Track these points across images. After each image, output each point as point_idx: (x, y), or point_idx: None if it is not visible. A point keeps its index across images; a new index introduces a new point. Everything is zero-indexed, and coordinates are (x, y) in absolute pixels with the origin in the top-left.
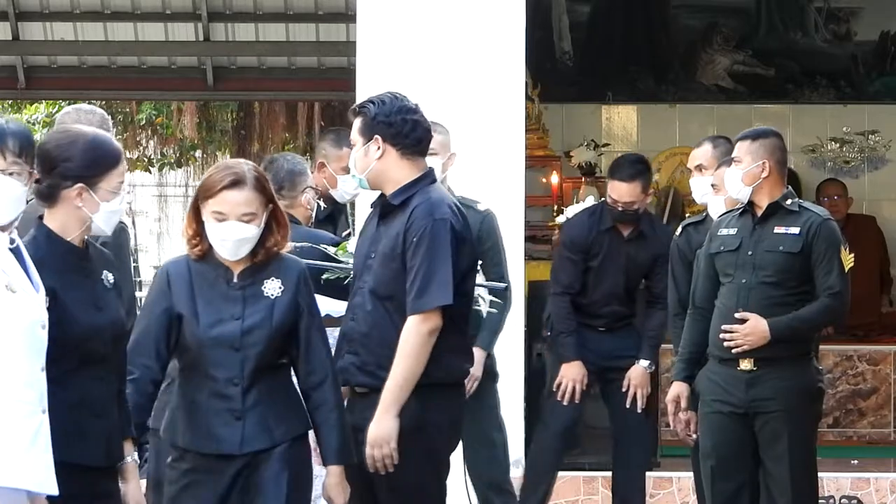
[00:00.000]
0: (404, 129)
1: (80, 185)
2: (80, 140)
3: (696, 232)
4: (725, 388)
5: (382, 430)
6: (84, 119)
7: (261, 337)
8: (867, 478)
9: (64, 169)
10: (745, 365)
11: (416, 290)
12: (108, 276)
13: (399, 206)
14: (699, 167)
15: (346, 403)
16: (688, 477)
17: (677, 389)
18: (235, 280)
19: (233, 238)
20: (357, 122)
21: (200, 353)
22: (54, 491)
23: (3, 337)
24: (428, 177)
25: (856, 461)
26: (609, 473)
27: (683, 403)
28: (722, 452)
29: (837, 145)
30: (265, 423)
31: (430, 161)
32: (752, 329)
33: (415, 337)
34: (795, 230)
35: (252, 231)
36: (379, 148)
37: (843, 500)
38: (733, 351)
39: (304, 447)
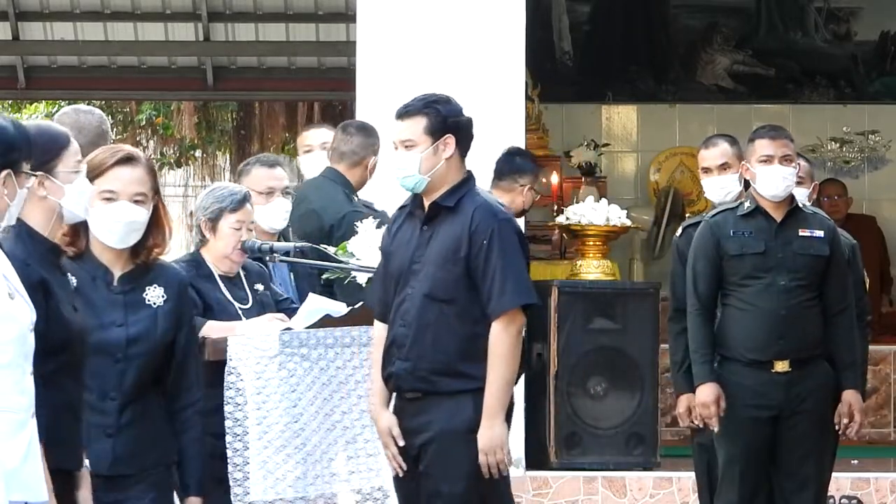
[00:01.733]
0: (469, 130)
1: (38, 174)
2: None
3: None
4: (761, 391)
5: (494, 436)
6: (82, 119)
7: (145, 348)
8: (867, 478)
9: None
10: (781, 367)
11: (497, 291)
12: (73, 279)
13: (450, 207)
14: (724, 166)
15: (392, 409)
16: (688, 477)
17: (715, 391)
18: (116, 283)
19: (124, 220)
20: (423, 122)
21: None
22: (45, 497)
23: (3, 345)
24: (472, 179)
25: (856, 461)
26: (609, 473)
27: (723, 403)
28: (751, 457)
29: (837, 145)
30: (137, 445)
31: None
32: (860, 407)
33: (507, 338)
34: (820, 233)
35: (143, 215)
36: (449, 148)
37: (843, 500)
38: (852, 434)
39: (172, 476)
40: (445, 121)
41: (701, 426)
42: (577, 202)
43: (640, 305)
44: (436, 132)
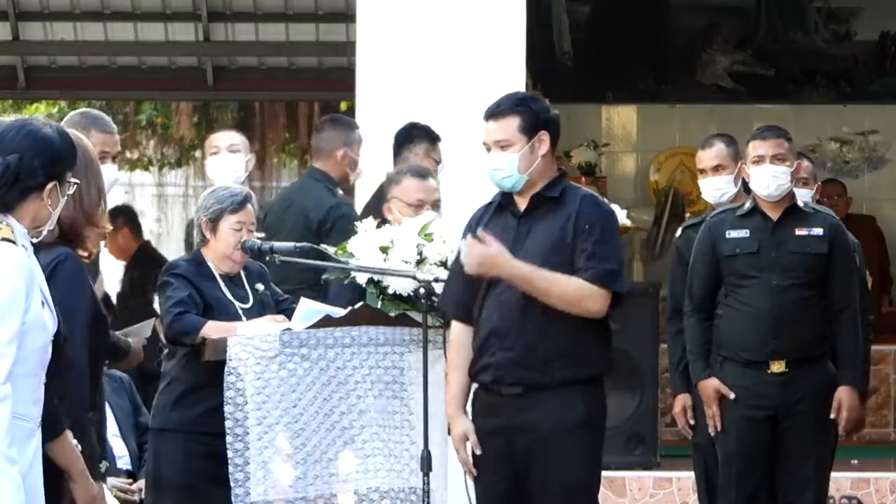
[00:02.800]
0: (559, 126)
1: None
2: None
3: (697, 233)
4: (757, 391)
5: (500, 261)
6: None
7: None
8: (867, 478)
9: None
10: (777, 367)
11: (604, 269)
12: None
13: (553, 199)
14: (718, 167)
15: (481, 407)
16: (688, 477)
17: (714, 385)
18: None
19: None
20: (516, 121)
21: None
22: None
23: (27, 355)
24: (564, 174)
25: (856, 461)
26: (609, 473)
27: (727, 395)
28: (748, 456)
29: (837, 145)
30: None
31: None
32: (852, 404)
33: (578, 295)
34: (819, 231)
35: None
36: (544, 145)
37: (843, 500)
38: (840, 430)
39: None
40: (538, 118)
41: (693, 423)
42: None
43: (640, 306)
44: (530, 130)
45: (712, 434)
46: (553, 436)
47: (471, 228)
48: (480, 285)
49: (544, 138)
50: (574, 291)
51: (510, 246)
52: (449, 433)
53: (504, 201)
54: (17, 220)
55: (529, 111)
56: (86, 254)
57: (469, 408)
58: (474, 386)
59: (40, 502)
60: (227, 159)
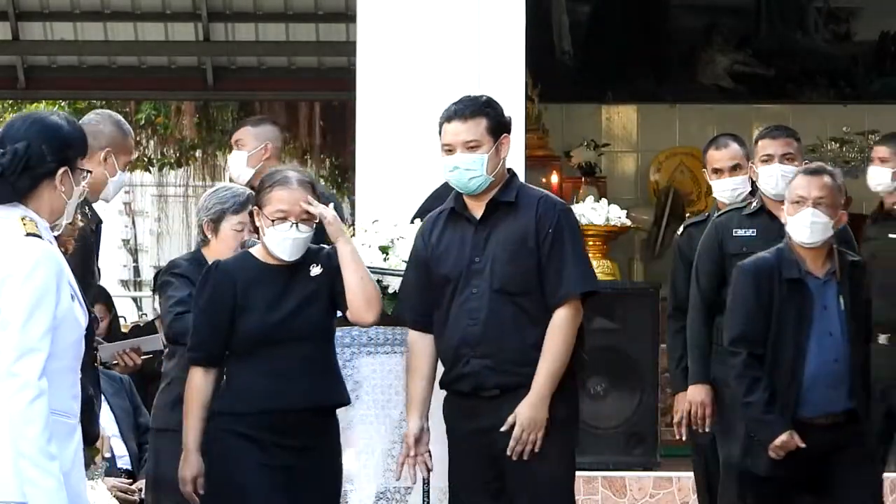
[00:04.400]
0: (511, 128)
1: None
2: None
3: (699, 231)
4: None
5: (540, 415)
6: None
7: None
8: None
9: None
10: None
11: (564, 277)
12: None
13: (510, 203)
14: (736, 167)
15: (457, 410)
16: (688, 477)
17: (704, 392)
18: None
19: None
20: (483, 122)
21: None
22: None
23: (63, 350)
24: (515, 174)
25: None
26: (609, 473)
27: (709, 407)
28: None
29: (837, 145)
30: None
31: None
32: None
33: (572, 323)
34: None
35: None
36: (506, 147)
37: None
38: None
39: None
40: (501, 120)
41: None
42: (577, 202)
43: (640, 305)
44: (496, 132)
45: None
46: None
47: (424, 237)
48: (441, 293)
49: (506, 141)
50: (570, 336)
51: (469, 254)
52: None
53: (458, 207)
54: (36, 212)
55: (495, 113)
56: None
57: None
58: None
59: (84, 499)
60: (232, 156)
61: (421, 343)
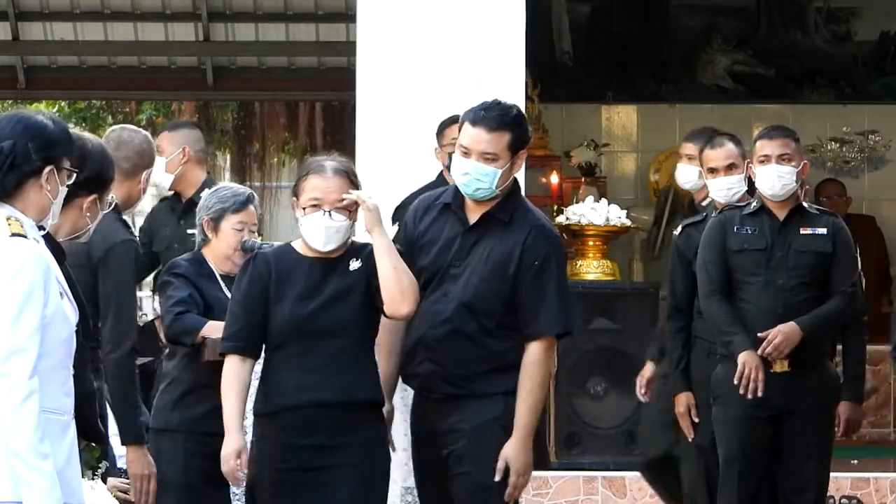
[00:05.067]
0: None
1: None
2: None
3: (697, 231)
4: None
5: (529, 458)
6: (125, 136)
7: None
8: (867, 478)
9: None
10: (780, 367)
11: (544, 314)
12: None
13: (502, 221)
14: (731, 167)
15: (414, 409)
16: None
17: (753, 356)
18: None
19: None
20: (507, 137)
21: None
22: (84, 502)
23: (54, 348)
24: (519, 188)
25: (856, 461)
26: (609, 473)
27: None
28: (750, 456)
29: (837, 145)
30: None
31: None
32: (786, 335)
33: (547, 362)
34: (823, 230)
35: None
36: (521, 164)
37: (843, 500)
38: (771, 356)
39: None
40: (524, 137)
41: (696, 422)
42: (577, 202)
43: (640, 305)
44: (516, 148)
45: (750, 396)
46: (475, 434)
47: (415, 219)
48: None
49: (522, 156)
50: (546, 373)
51: (453, 254)
52: None
53: (455, 205)
54: (23, 212)
55: (520, 130)
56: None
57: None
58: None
59: (79, 497)
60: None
61: (393, 322)
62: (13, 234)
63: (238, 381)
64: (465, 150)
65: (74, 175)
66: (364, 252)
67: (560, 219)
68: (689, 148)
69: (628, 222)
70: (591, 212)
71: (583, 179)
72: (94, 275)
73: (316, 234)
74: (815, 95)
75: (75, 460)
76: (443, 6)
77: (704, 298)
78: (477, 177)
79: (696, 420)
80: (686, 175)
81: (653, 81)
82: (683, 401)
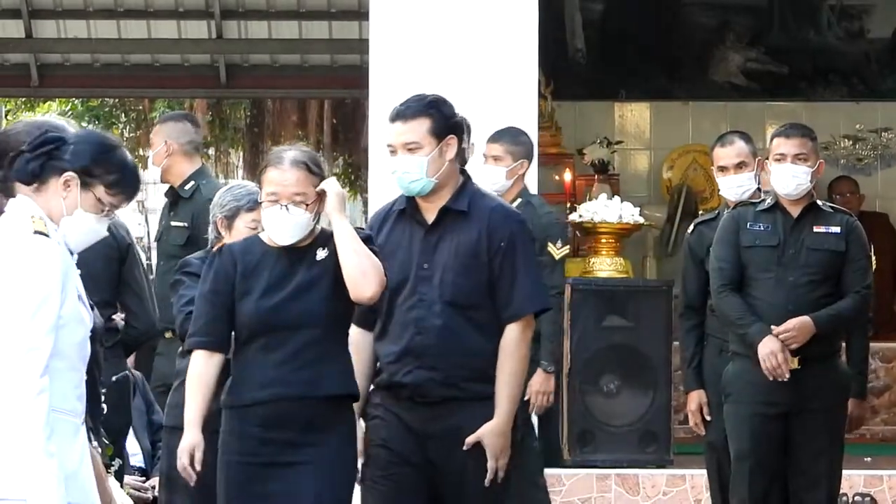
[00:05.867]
0: (467, 129)
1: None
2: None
3: (709, 229)
4: (768, 389)
5: (507, 439)
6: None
7: None
8: (880, 475)
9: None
10: (791, 364)
11: (516, 295)
12: None
13: (461, 212)
14: (741, 165)
15: (385, 414)
16: (701, 475)
17: (776, 342)
18: None
19: None
20: (426, 123)
21: None
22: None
23: (67, 349)
24: (471, 178)
25: (869, 459)
26: (622, 471)
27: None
28: (761, 453)
29: (850, 143)
30: None
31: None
32: (799, 328)
33: (525, 343)
34: (836, 229)
35: None
36: (452, 149)
37: (856, 498)
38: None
39: None
40: (447, 121)
41: (709, 419)
42: (590, 200)
43: (653, 303)
44: (440, 133)
45: (774, 378)
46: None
47: (372, 230)
48: (382, 296)
49: (452, 142)
50: (524, 354)
51: (418, 258)
52: None
53: (409, 209)
54: (45, 209)
55: (439, 114)
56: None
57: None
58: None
59: (93, 498)
60: None
61: (362, 337)
62: (36, 232)
63: (202, 378)
64: (392, 148)
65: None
66: (332, 240)
67: (573, 216)
68: (497, 149)
69: (641, 220)
70: (605, 209)
71: (596, 177)
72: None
73: (274, 228)
74: (827, 93)
75: (88, 462)
76: (456, 4)
77: (716, 294)
78: (406, 169)
79: (708, 418)
80: (492, 177)
81: (666, 79)
82: (695, 398)
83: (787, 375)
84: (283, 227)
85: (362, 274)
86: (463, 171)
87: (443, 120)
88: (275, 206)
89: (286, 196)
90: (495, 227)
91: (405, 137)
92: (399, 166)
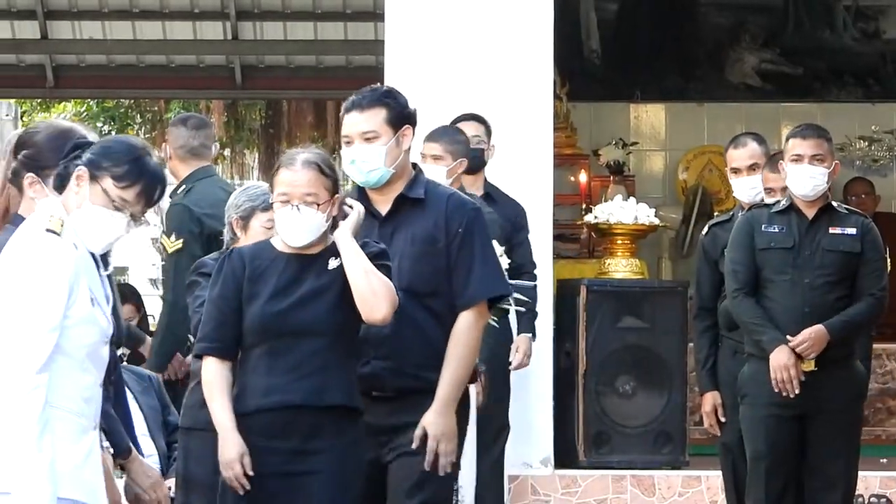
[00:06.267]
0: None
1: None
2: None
3: (723, 231)
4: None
5: (449, 423)
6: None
7: None
8: None
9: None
10: (807, 366)
11: (472, 281)
12: None
13: (417, 200)
14: (754, 166)
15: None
16: (717, 476)
17: (787, 353)
18: None
19: None
20: (382, 113)
21: None
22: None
23: (76, 350)
24: (421, 170)
25: (885, 460)
26: (637, 472)
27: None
28: (777, 454)
29: (866, 144)
30: None
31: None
32: (814, 339)
33: (477, 330)
34: (852, 231)
35: None
36: (408, 139)
37: (871, 499)
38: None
39: None
40: (403, 111)
41: (723, 421)
42: (606, 201)
43: (669, 304)
44: (396, 123)
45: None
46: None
47: None
48: None
49: (408, 132)
50: (474, 341)
51: None
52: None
53: (361, 202)
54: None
55: (396, 103)
56: None
57: None
58: None
59: (100, 495)
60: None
61: None
62: (47, 230)
63: (220, 382)
64: (347, 138)
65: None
66: None
67: (588, 217)
68: (436, 148)
69: (657, 221)
70: (620, 210)
71: (611, 178)
72: None
73: (286, 229)
74: (843, 94)
75: (95, 462)
76: (471, 5)
77: (731, 298)
78: (363, 159)
79: (723, 419)
80: (434, 176)
81: (681, 80)
82: (710, 400)
83: (797, 391)
84: (294, 227)
85: (373, 294)
86: (415, 164)
87: (398, 109)
88: (286, 206)
89: (297, 196)
90: (452, 214)
91: (362, 126)
92: (357, 155)
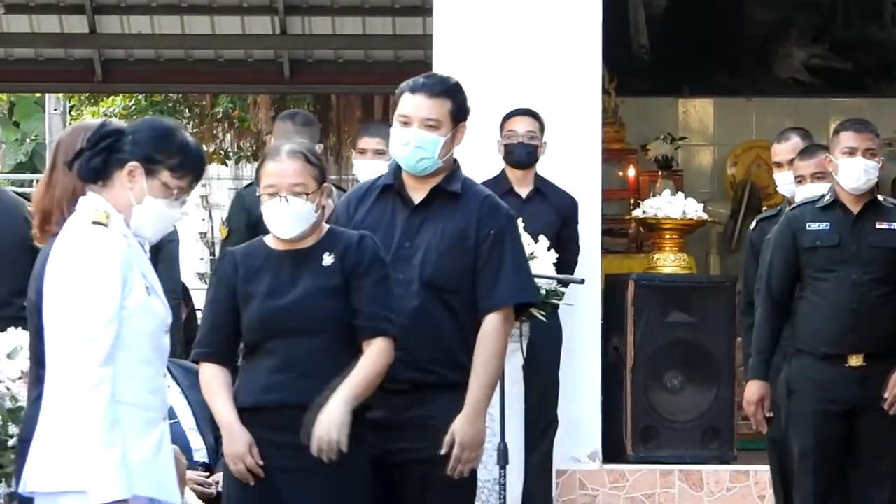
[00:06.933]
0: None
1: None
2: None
3: (771, 225)
4: (833, 386)
5: (479, 431)
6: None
7: None
8: None
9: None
10: (855, 361)
11: (502, 284)
12: None
13: (453, 194)
14: (792, 161)
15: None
16: (765, 470)
17: (761, 390)
18: None
19: None
20: (448, 105)
21: None
22: (177, 499)
23: (136, 341)
24: (458, 163)
25: None
26: (685, 466)
27: (767, 404)
28: (825, 450)
29: None
30: None
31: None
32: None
33: (504, 334)
34: None
35: None
36: (462, 136)
37: None
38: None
39: None
40: (463, 108)
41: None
42: (654, 195)
43: (717, 299)
44: (457, 118)
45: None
46: (441, 432)
47: (348, 209)
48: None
49: (463, 129)
50: (502, 345)
51: (399, 237)
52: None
53: (396, 185)
54: (113, 204)
55: (462, 98)
56: None
57: None
58: None
59: (171, 492)
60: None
61: None
62: (94, 223)
63: (218, 381)
64: (406, 118)
65: (177, 194)
66: (339, 245)
67: (637, 212)
68: (375, 143)
69: (705, 216)
70: (668, 205)
71: (659, 173)
72: None
73: (274, 221)
74: (892, 89)
75: (166, 456)
76: (519, 0)
77: (760, 304)
78: (419, 144)
79: (769, 414)
80: (363, 173)
81: (729, 75)
82: (756, 389)
83: (764, 430)
84: (283, 218)
85: (379, 377)
86: (455, 160)
87: (462, 105)
88: (274, 198)
89: (285, 187)
90: (486, 215)
91: (426, 112)
92: (414, 139)
